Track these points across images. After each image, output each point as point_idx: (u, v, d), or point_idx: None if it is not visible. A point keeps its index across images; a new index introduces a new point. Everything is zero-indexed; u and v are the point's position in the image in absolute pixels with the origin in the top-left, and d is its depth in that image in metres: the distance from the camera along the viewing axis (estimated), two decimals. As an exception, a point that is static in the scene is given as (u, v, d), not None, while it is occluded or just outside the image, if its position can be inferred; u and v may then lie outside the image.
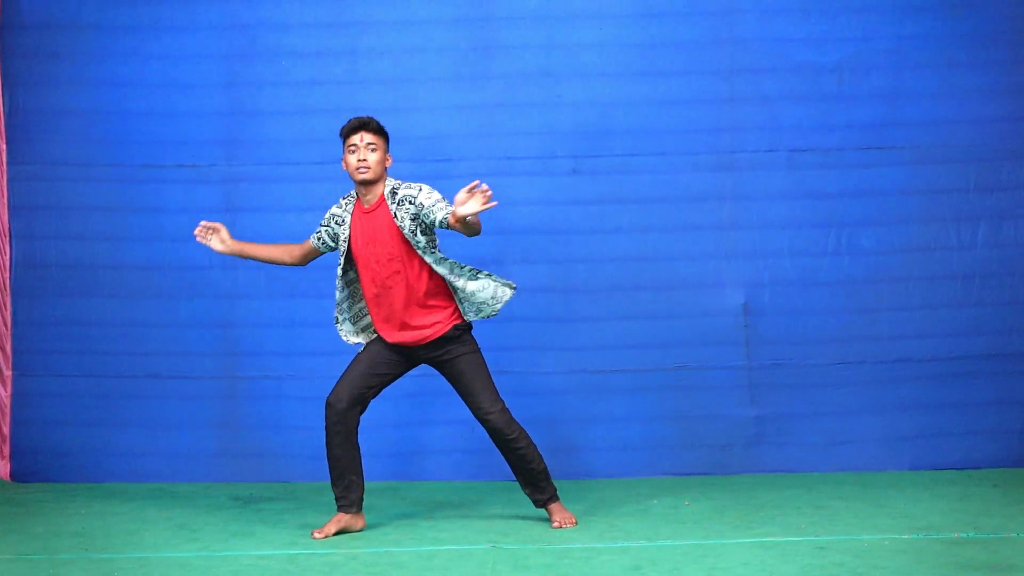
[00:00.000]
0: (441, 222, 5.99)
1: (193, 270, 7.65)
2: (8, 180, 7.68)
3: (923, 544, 5.70)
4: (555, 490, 6.34)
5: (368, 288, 6.20)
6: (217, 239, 6.44)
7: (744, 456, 7.58)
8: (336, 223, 6.27)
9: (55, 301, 7.68)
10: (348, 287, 6.34)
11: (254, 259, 6.54)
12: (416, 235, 6.06)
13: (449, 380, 6.31)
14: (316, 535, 6.13)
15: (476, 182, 5.86)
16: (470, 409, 6.27)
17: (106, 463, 7.65)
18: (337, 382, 6.28)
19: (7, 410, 7.69)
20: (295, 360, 7.64)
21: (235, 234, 7.53)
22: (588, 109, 7.63)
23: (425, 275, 6.15)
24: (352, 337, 6.40)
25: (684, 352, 7.59)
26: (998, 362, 7.56)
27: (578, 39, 7.62)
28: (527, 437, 6.25)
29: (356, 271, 6.27)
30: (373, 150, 6.11)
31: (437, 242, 6.22)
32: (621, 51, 7.63)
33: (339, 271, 6.27)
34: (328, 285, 7.62)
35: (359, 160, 6.09)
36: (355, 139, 6.13)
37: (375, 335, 6.32)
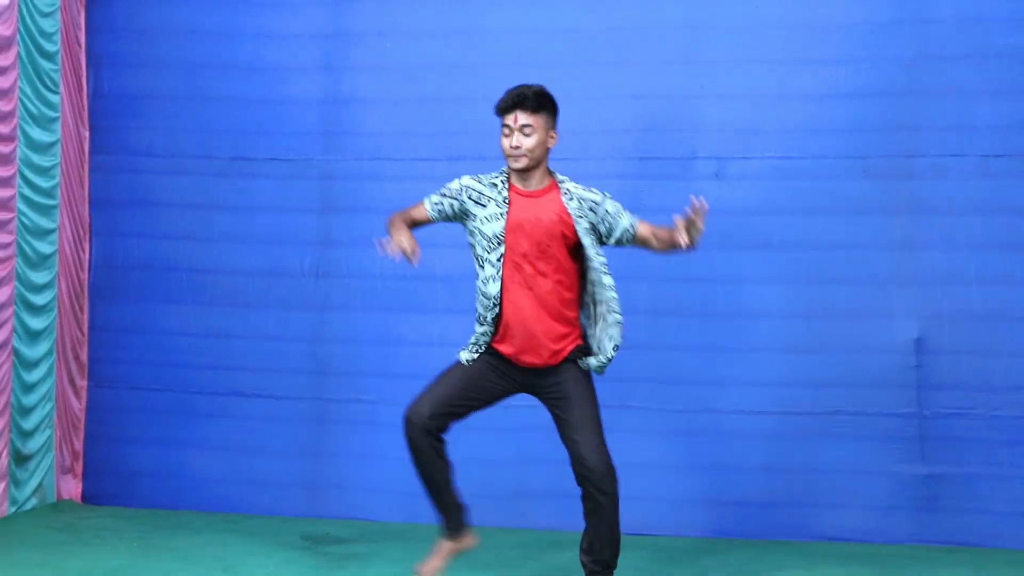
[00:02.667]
0: (624, 234, 5.15)
1: (283, 276, 6.96)
2: (90, 171, 7.13)
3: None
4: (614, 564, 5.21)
5: (508, 286, 5.16)
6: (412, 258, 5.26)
7: (910, 521, 6.40)
8: (473, 198, 5.22)
9: (135, 306, 7.11)
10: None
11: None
12: (589, 237, 5.13)
13: (553, 406, 5.23)
14: (424, 571, 5.31)
15: (696, 204, 4.95)
16: (567, 443, 5.16)
17: (182, 488, 7.04)
18: (421, 392, 5.24)
19: (81, 424, 7.13)
20: (390, 382, 6.79)
21: (334, 239, 6.91)
22: (736, 102, 6.60)
23: (568, 286, 5.18)
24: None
25: (842, 394, 6.46)
26: None
27: (725, 20, 6.63)
28: (617, 500, 5.17)
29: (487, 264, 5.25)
30: (528, 133, 5.13)
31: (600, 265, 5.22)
32: (777, 33, 6.58)
33: (495, 259, 5.15)
34: (429, 299, 6.84)
35: (512, 146, 5.14)
36: (508, 120, 5.16)
37: (482, 350, 5.29)
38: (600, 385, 6.51)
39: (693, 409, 6.57)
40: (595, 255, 5.12)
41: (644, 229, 5.17)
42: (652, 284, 6.61)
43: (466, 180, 5.25)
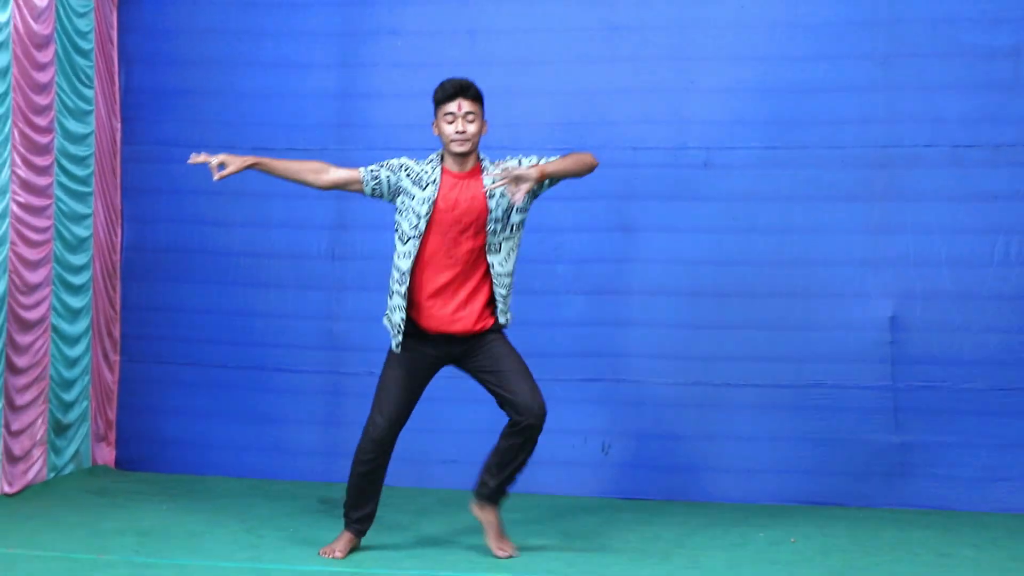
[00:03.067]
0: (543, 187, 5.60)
1: (301, 259, 7.43)
2: (122, 161, 7.61)
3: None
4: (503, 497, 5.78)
5: (429, 264, 5.61)
6: (215, 171, 5.69)
7: (884, 487, 6.85)
8: (409, 177, 5.65)
9: (164, 286, 7.58)
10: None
11: (272, 174, 5.81)
12: (510, 214, 5.58)
13: (482, 370, 5.67)
14: (327, 554, 5.75)
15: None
16: (505, 397, 5.59)
17: (208, 455, 7.52)
18: (374, 408, 5.74)
19: (114, 396, 7.63)
20: (402, 357, 7.29)
21: (348, 223, 7.35)
22: (723, 96, 7.04)
23: (489, 259, 5.63)
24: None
25: (821, 368, 6.91)
26: None
27: (713, 17, 7.05)
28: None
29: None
30: (471, 120, 5.60)
31: (520, 235, 5.68)
32: (761, 31, 7.01)
33: (416, 237, 5.59)
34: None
35: (457, 132, 5.58)
36: (452, 107, 5.60)
37: (402, 329, 5.70)
38: (595, 359, 6.96)
39: (681, 382, 7.03)
40: (512, 235, 5.57)
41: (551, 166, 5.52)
42: (643, 266, 7.09)
43: (404, 160, 5.74)
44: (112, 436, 7.64)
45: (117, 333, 7.63)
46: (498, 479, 5.68)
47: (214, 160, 5.65)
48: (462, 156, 5.61)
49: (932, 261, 6.82)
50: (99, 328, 7.52)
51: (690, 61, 7.06)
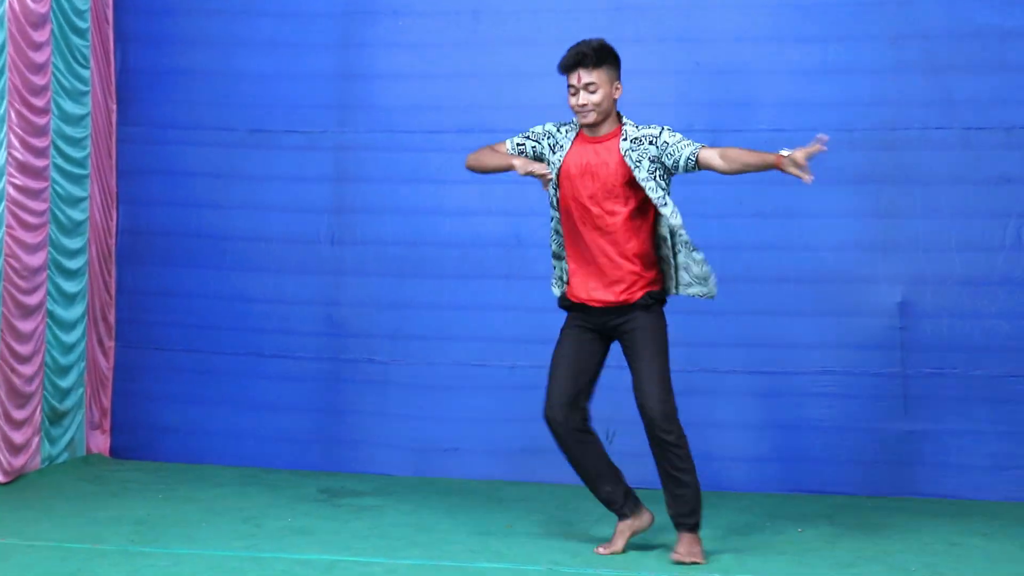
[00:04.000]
0: (687, 162, 5.39)
1: (300, 243, 7.35)
2: (117, 142, 7.53)
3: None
4: (698, 520, 5.54)
5: (570, 231, 5.53)
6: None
7: (893, 475, 6.78)
8: (550, 144, 5.58)
9: (160, 270, 7.50)
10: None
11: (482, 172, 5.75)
12: (655, 180, 5.41)
13: (626, 357, 5.57)
14: (601, 551, 5.60)
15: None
16: (634, 391, 5.51)
17: (205, 442, 7.44)
18: (547, 389, 5.61)
19: (109, 382, 7.56)
20: (403, 344, 7.22)
21: (348, 206, 7.28)
22: (729, 77, 6.95)
23: (635, 228, 5.46)
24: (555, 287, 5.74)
25: (829, 355, 6.83)
26: None
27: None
28: (686, 446, 5.50)
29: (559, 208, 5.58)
30: (593, 90, 5.44)
31: (669, 197, 5.48)
32: (768, 11, 6.93)
33: (555, 202, 5.53)
34: (440, 265, 7.23)
35: (579, 105, 5.46)
36: (572, 80, 5.48)
37: (564, 282, 5.62)
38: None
39: (688, 369, 6.85)
40: (656, 195, 5.37)
41: (707, 153, 5.38)
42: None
43: (548, 126, 5.65)
44: (107, 424, 7.56)
45: (112, 318, 7.55)
46: (671, 506, 5.55)
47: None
48: (592, 126, 5.49)
49: (942, 246, 6.74)
50: (94, 313, 7.44)
51: (696, 42, 6.98)
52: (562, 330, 5.63)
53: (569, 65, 5.48)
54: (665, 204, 5.40)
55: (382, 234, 7.26)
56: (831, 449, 6.84)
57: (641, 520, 5.62)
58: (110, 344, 7.55)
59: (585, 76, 5.44)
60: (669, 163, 5.42)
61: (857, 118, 6.83)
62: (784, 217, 6.88)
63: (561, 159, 5.49)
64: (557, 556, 5.52)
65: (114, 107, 7.51)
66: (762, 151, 5.46)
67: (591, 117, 5.45)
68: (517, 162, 5.50)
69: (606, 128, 5.49)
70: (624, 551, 5.55)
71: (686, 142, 5.42)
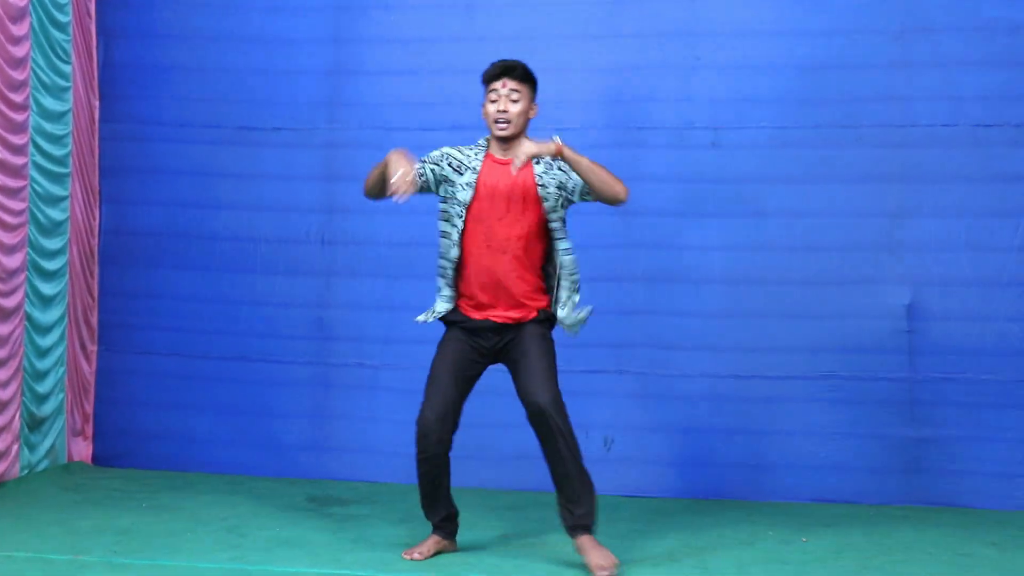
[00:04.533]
0: (584, 188, 5.34)
1: (289, 243, 7.19)
2: (100, 140, 7.37)
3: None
4: (593, 519, 5.38)
5: (475, 249, 5.44)
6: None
7: (900, 483, 6.64)
8: (452, 167, 5.48)
9: (144, 272, 7.34)
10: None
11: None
12: (558, 205, 5.39)
13: (510, 362, 5.47)
14: (408, 555, 5.53)
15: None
16: (519, 392, 5.38)
17: (190, 450, 7.28)
18: (423, 404, 5.48)
19: (91, 388, 7.39)
20: (394, 348, 7.06)
21: (339, 206, 7.14)
22: (732, 73, 6.82)
23: (539, 251, 5.45)
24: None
25: (835, 359, 6.69)
26: None
27: (721, -8, 6.83)
28: (575, 439, 5.33)
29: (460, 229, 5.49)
30: (515, 100, 5.39)
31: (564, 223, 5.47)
32: (772, 5, 6.79)
33: (460, 224, 5.43)
34: (433, 266, 7.03)
35: (499, 111, 5.38)
36: (496, 85, 5.41)
37: (447, 312, 5.55)
38: (596, 350, 6.80)
39: (689, 374, 6.80)
40: (553, 217, 5.37)
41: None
42: (647, 251, 6.86)
43: (446, 149, 5.55)
44: (89, 430, 7.39)
45: (95, 321, 7.38)
46: (567, 508, 5.37)
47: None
48: (505, 141, 5.39)
49: (951, 246, 6.61)
50: (76, 316, 7.26)
51: (697, 37, 6.84)
52: (443, 343, 5.53)
53: (496, 73, 5.44)
54: (563, 238, 5.39)
55: (374, 234, 7.10)
56: (836, 456, 6.68)
57: (452, 546, 5.61)
58: (92, 348, 7.37)
59: (511, 84, 5.40)
60: (569, 187, 5.40)
61: (862, 115, 6.70)
62: (788, 217, 6.73)
63: (474, 180, 5.40)
64: (551, 568, 5.36)
65: (97, 103, 7.34)
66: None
67: (508, 129, 5.39)
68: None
69: (514, 150, 5.41)
70: (424, 559, 5.48)
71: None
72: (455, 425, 5.44)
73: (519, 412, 5.34)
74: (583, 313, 5.45)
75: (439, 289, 5.54)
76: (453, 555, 5.54)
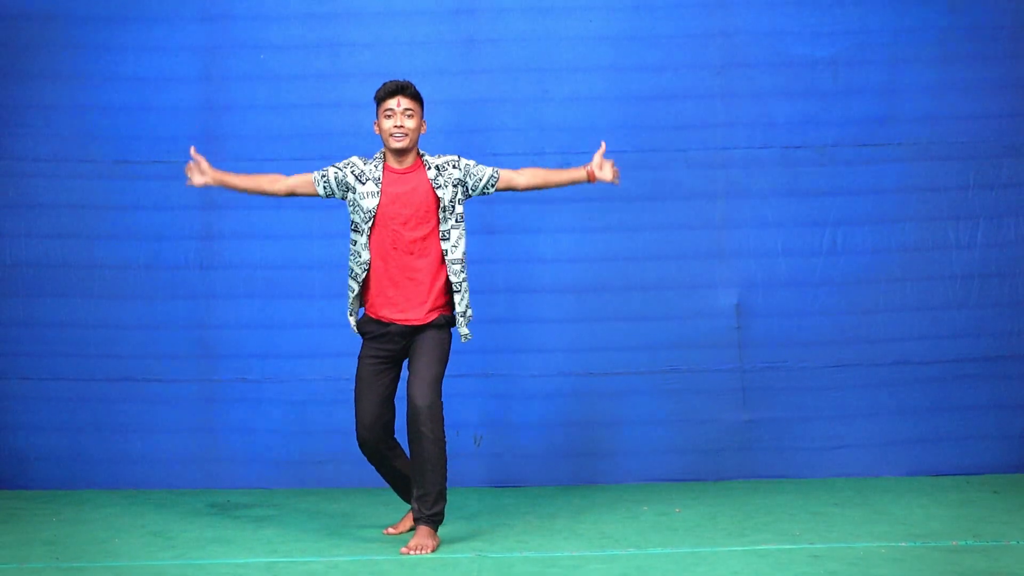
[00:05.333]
0: (490, 180, 6.18)
1: (168, 269, 7.66)
2: (-22, 176, 7.69)
3: (921, 552, 5.73)
4: (439, 517, 6.09)
5: (380, 255, 6.10)
6: (197, 172, 6.23)
7: (737, 461, 7.62)
8: (354, 175, 6.14)
9: (26, 301, 7.67)
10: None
11: (235, 189, 6.34)
12: (455, 204, 6.13)
13: (410, 360, 6.18)
14: (391, 531, 6.38)
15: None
16: (407, 388, 6.08)
17: (80, 469, 7.66)
18: (356, 415, 6.18)
19: (-27, 414, 7.70)
20: (274, 363, 7.66)
21: (215, 233, 7.65)
22: (576, 104, 7.68)
23: (440, 251, 6.14)
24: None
25: (675, 354, 7.63)
26: (998, 365, 7.63)
27: (565, 32, 7.68)
28: (443, 446, 6.05)
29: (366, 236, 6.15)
30: (410, 116, 6.09)
31: (462, 221, 6.20)
32: (609, 44, 7.67)
33: (366, 229, 6.10)
34: (307, 286, 7.68)
35: (395, 126, 6.07)
36: (391, 103, 6.09)
37: (358, 316, 6.25)
38: (465, 356, 7.49)
39: (549, 374, 7.63)
40: (457, 224, 6.13)
41: (507, 172, 6.24)
42: (505, 265, 7.67)
43: (353, 159, 6.24)
44: (-28, 455, 7.69)
45: (-24, 351, 7.69)
46: (417, 500, 6.09)
47: (201, 162, 6.23)
48: (401, 152, 6.09)
49: (770, 252, 7.63)
50: (-37, 346, 7.55)
51: (545, 72, 7.68)
52: (360, 359, 6.25)
53: (391, 91, 6.14)
54: (447, 238, 6.14)
55: (249, 258, 7.67)
56: (679, 440, 7.63)
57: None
58: (-24, 376, 7.69)
59: (405, 102, 6.13)
60: (471, 183, 6.19)
61: (691, 140, 7.66)
62: (631, 231, 7.65)
63: (377, 189, 6.11)
64: (480, 544, 6.11)
65: (-27, 141, 7.67)
66: (567, 168, 6.53)
67: (405, 141, 6.10)
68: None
69: (411, 159, 6.17)
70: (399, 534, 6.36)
71: (483, 165, 6.25)
72: (387, 426, 6.22)
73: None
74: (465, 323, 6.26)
75: (351, 291, 6.21)
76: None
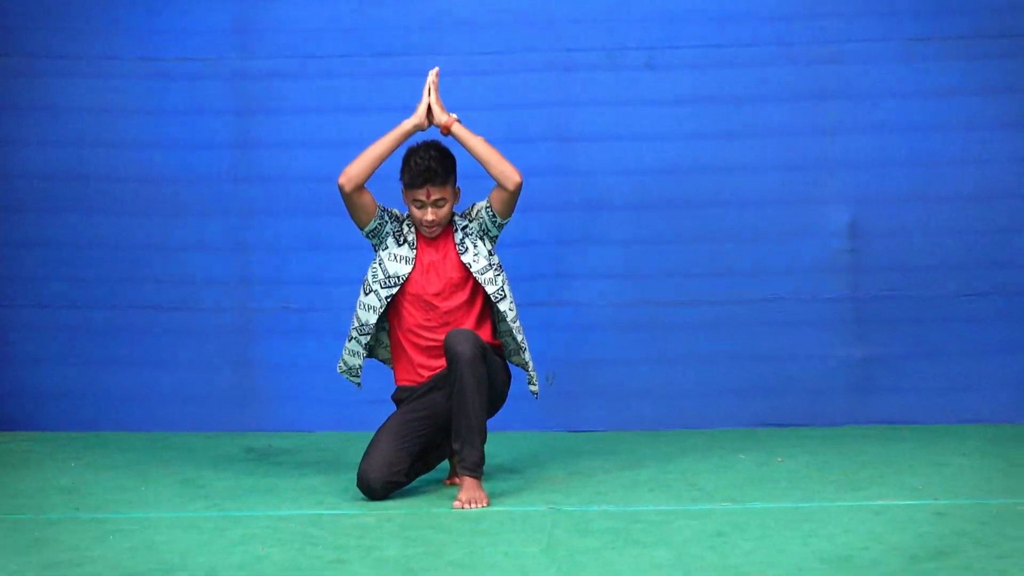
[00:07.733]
0: (488, 210, 5.97)
1: (200, 182, 7.55)
2: (-16, 101, 7.65)
3: (1062, 509, 5.61)
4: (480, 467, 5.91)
5: (414, 328, 5.96)
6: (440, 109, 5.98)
7: (848, 404, 7.40)
8: (394, 234, 6.00)
9: (39, 217, 7.60)
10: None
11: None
12: (489, 265, 5.96)
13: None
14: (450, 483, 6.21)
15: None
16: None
17: (100, 409, 7.61)
18: (365, 453, 5.91)
19: (-18, 346, 7.61)
20: (319, 289, 7.51)
21: (252, 140, 7.51)
22: (662, -8, 7.52)
23: (481, 313, 6.01)
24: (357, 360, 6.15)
25: (776, 281, 7.40)
26: None
27: (653, -91, 7.51)
28: (485, 382, 5.80)
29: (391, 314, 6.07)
30: (441, 205, 5.95)
31: (502, 272, 6.02)
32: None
33: (385, 295, 5.94)
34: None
35: (428, 221, 5.94)
36: (420, 195, 5.92)
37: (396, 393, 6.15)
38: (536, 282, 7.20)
39: (631, 302, 7.41)
40: (493, 288, 5.95)
41: (491, 194, 5.99)
42: (582, 178, 7.43)
43: (398, 212, 6.11)
44: (-17, 393, 7.64)
45: (-15, 274, 7.59)
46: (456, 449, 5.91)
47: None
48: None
49: (890, 162, 7.39)
50: (-36, 268, 7.41)
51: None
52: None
53: (419, 182, 5.92)
54: (503, 297, 6.00)
55: (291, 168, 7.54)
56: (782, 380, 7.43)
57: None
58: (-18, 303, 7.60)
59: (435, 193, 5.95)
60: (487, 221, 6.03)
61: (797, 31, 7.37)
62: (724, 138, 7.42)
63: (412, 255, 6.00)
64: (555, 496, 5.91)
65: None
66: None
67: (437, 231, 6.03)
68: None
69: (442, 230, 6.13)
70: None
71: (478, 202, 6.07)
72: (397, 475, 5.87)
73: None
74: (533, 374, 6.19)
75: (356, 353, 6.07)
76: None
